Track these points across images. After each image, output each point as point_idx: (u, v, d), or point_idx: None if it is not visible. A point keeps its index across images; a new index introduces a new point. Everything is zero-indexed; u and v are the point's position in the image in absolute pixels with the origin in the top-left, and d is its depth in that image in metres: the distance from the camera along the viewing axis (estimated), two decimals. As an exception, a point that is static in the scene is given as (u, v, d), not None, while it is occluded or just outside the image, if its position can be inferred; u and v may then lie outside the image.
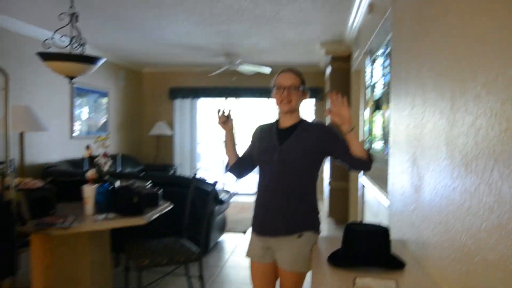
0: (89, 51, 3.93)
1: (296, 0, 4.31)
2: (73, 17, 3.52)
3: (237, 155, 2.46)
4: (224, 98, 9.14)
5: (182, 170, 9.14)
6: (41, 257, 3.24)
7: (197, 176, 4.07)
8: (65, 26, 3.48)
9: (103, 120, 7.78)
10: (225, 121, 2.38)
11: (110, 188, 3.14)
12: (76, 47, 3.53)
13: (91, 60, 3.48)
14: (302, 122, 2.29)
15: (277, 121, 2.35)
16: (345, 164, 2.19)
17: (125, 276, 3.58)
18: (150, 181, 3.94)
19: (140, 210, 3.07)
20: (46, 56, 3.37)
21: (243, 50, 7.00)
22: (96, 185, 3.09)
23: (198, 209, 4.25)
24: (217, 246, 5.41)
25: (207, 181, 3.94)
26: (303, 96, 2.29)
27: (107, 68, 7.60)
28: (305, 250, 2.17)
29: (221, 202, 5.22)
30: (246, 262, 4.69)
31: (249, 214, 7.05)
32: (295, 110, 2.27)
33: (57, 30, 3.44)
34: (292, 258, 2.18)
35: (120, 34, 6.00)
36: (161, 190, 3.58)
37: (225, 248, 5.37)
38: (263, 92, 8.87)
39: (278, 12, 4.75)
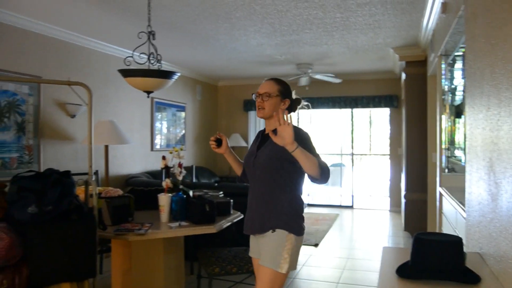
0: (166, 67, 4.15)
1: (366, 5, 4.24)
2: (150, 35, 3.73)
3: (241, 165, 2.68)
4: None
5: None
6: (120, 262, 3.43)
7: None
8: (143, 44, 3.69)
9: (181, 133, 8.11)
10: (218, 145, 2.59)
11: (184, 197, 3.26)
12: (153, 63, 3.73)
13: (166, 74, 3.66)
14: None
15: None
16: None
17: (198, 284, 3.69)
18: (222, 192, 4.03)
19: (212, 219, 3.15)
20: (126, 73, 3.59)
21: (314, 59, 6.98)
22: (171, 194, 3.22)
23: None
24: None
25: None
26: (280, 104, 2.40)
27: (184, 83, 7.94)
28: (278, 247, 2.31)
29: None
30: (318, 274, 4.64)
31: (322, 226, 7.00)
32: (271, 117, 2.38)
33: (136, 48, 3.66)
34: (264, 253, 2.36)
35: (195, 49, 6.25)
36: (232, 200, 3.65)
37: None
38: (335, 102, 8.77)
39: (348, 19, 4.70)
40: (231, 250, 3.56)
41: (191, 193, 3.42)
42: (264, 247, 2.38)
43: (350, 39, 5.63)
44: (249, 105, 9.30)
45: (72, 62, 5.40)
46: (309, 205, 9.11)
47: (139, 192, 3.60)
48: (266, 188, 2.38)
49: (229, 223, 3.37)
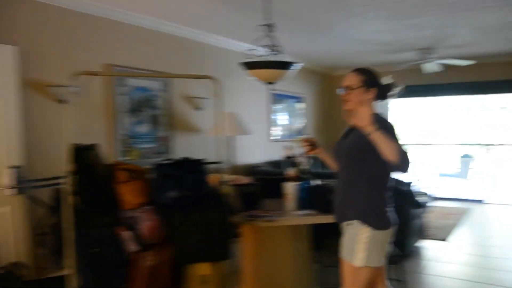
0: (285, 58, 4.18)
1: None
2: (270, 27, 3.79)
3: (331, 156, 2.67)
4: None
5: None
6: (250, 247, 3.56)
7: (395, 177, 3.95)
8: (262, 37, 3.77)
9: (299, 124, 8.16)
10: (312, 149, 2.68)
11: (310, 186, 3.28)
12: (273, 55, 3.79)
13: (287, 65, 3.69)
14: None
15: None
16: None
17: (325, 273, 3.69)
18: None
19: (338, 208, 3.12)
20: (248, 65, 3.70)
21: (437, 43, 6.53)
22: (297, 183, 3.26)
23: (396, 211, 4.11)
24: (416, 252, 5.13)
25: (405, 182, 3.79)
26: (365, 94, 2.34)
27: (302, 74, 7.96)
28: (353, 239, 2.30)
29: (420, 205, 4.95)
30: (449, 270, 4.37)
31: (450, 221, 6.57)
32: (363, 108, 2.28)
33: (256, 40, 3.75)
34: (343, 245, 2.38)
35: (311, 39, 6.22)
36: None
37: (423, 255, 5.06)
38: (464, 87, 8.12)
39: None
40: (357, 240, 3.49)
41: (317, 182, 3.42)
42: (343, 238, 2.40)
43: (476, 19, 5.14)
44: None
45: (196, 58, 5.72)
46: (436, 198, 8.56)
47: (265, 181, 3.70)
48: (347, 179, 2.38)
49: (355, 213, 3.30)
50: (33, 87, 3.93)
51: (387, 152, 2.08)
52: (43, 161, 3.96)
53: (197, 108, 5.65)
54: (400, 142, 2.17)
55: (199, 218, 2.49)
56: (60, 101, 4.07)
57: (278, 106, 7.56)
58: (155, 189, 2.55)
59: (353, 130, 2.39)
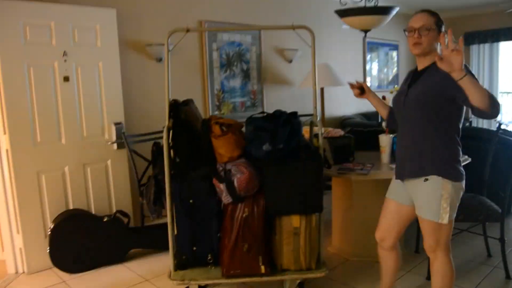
0: (380, 3, 3.95)
1: None
2: (366, -30, 3.58)
3: (386, 107, 2.59)
4: None
5: (479, 122, 8.35)
6: (341, 200, 3.55)
7: (502, 128, 3.65)
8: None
9: (393, 74, 7.78)
10: (361, 92, 2.55)
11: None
12: (370, 1, 3.60)
13: (384, 10, 3.49)
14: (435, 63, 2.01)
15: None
16: (472, 111, 2.00)
17: (418, 228, 3.57)
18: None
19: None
20: (343, 13, 3.55)
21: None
22: (392, 135, 3.14)
23: (501, 165, 3.82)
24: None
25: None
26: (437, 38, 2.15)
27: (397, 20, 7.47)
28: (433, 196, 2.16)
29: (529, 159, 4.54)
30: None
31: None
32: (428, 53, 2.17)
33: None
34: (420, 203, 2.23)
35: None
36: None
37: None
38: None
39: None
40: (457, 196, 3.32)
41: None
42: (418, 196, 2.24)
43: None
44: (471, 38, 8.27)
45: (287, 8, 5.59)
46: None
47: (358, 133, 3.61)
48: (419, 129, 2.18)
49: (455, 168, 3.12)
50: (131, 47, 4.13)
51: (478, 98, 1.89)
52: (142, 117, 4.21)
53: (288, 60, 5.59)
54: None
55: (292, 171, 2.50)
56: (157, 59, 4.25)
57: (372, 56, 7.23)
58: (249, 143, 2.59)
59: (419, 76, 2.21)
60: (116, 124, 3.74)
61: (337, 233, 3.66)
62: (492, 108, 1.90)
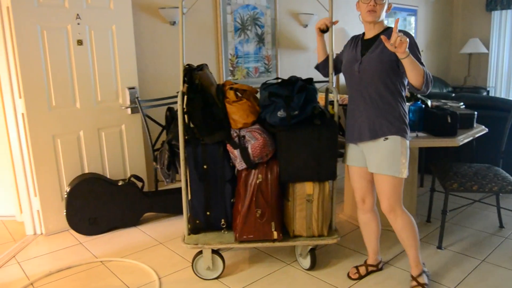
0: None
1: None
2: None
3: (325, 54, 2.71)
4: None
5: (497, 93, 8.19)
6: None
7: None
8: None
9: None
10: (323, 31, 2.61)
11: (423, 107, 3.09)
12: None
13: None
14: (385, 30, 2.37)
15: (363, 33, 2.46)
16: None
17: (430, 197, 3.57)
18: (462, 102, 3.69)
19: (454, 131, 2.93)
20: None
21: None
22: (408, 103, 3.08)
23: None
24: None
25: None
26: (387, 9, 2.36)
27: (416, -16, 7.26)
28: (393, 153, 2.34)
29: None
30: None
31: None
32: (379, 21, 2.36)
33: None
34: (380, 161, 2.37)
35: None
36: (476, 112, 3.31)
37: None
38: None
39: None
40: (472, 166, 3.29)
41: (429, 102, 3.21)
42: (378, 155, 2.38)
43: None
44: (493, 4, 8.00)
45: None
46: None
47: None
48: (377, 94, 2.35)
49: (471, 138, 3.08)
50: (145, 10, 4.07)
51: (414, 76, 2.16)
52: (156, 82, 4.19)
53: (304, 25, 5.48)
54: (421, 59, 2.25)
55: (306, 137, 2.48)
56: (170, 22, 4.19)
57: (390, 21, 7.05)
58: (264, 109, 2.57)
59: (370, 43, 2.39)
60: (130, 88, 3.74)
61: (349, 200, 3.67)
62: (424, 86, 2.19)
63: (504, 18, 8.01)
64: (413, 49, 2.24)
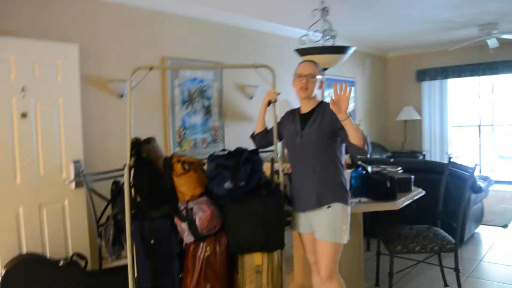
0: (337, 42, 4.12)
1: None
2: (324, 11, 3.75)
3: (263, 126, 2.85)
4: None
5: (432, 156, 8.69)
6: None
7: (452, 160, 3.83)
8: (317, 22, 3.73)
9: (350, 109, 8.02)
10: (268, 102, 2.73)
11: (363, 173, 3.24)
12: (327, 39, 3.75)
13: (342, 50, 3.65)
14: (320, 104, 2.59)
15: (299, 107, 2.66)
16: (346, 146, 2.49)
17: (377, 261, 3.65)
18: (400, 167, 3.90)
19: (393, 195, 3.07)
20: (302, 52, 3.68)
21: (500, 18, 6.16)
22: (349, 170, 3.23)
23: (453, 196, 3.99)
24: (473, 238, 4.97)
25: (463, 166, 3.67)
26: (319, 85, 2.59)
27: (353, 57, 7.76)
28: (335, 220, 2.46)
29: (478, 190, 4.77)
30: (508, 260, 4.19)
31: (511, 205, 6.27)
32: (312, 97, 2.58)
33: (310, 26, 3.71)
34: (323, 228, 2.48)
35: (366, 21, 6.07)
36: (413, 176, 3.50)
37: (482, 242, 4.89)
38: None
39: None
40: (413, 228, 3.43)
41: (369, 169, 3.38)
42: (321, 222, 2.50)
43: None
44: (422, 75, 8.69)
45: (249, 46, 5.74)
46: (495, 182, 8.19)
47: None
48: (319, 164, 2.50)
49: (410, 200, 3.25)
50: (93, 83, 4.11)
51: (356, 136, 2.34)
52: (102, 155, 4.15)
53: (249, 96, 5.69)
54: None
55: (253, 208, 2.52)
56: (118, 95, 4.24)
57: (331, 91, 7.46)
58: (211, 181, 2.60)
59: (308, 117, 2.57)
60: (75, 162, 3.67)
61: (299, 269, 3.67)
62: (366, 146, 2.36)
63: (432, 87, 8.71)
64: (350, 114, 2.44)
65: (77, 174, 3.65)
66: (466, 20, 6.18)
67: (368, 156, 2.48)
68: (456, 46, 7.20)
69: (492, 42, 6.64)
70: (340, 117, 2.32)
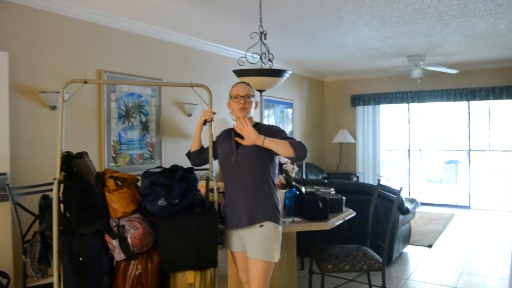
0: (276, 65, 4.24)
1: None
2: (262, 35, 3.85)
3: (199, 145, 2.89)
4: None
5: (365, 178, 9.06)
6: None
7: (381, 183, 4.02)
8: (255, 45, 3.82)
9: (288, 130, 8.22)
10: (204, 121, 2.78)
11: (297, 193, 3.32)
12: (265, 62, 3.85)
13: (279, 73, 3.75)
14: (256, 125, 2.66)
15: (235, 126, 2.66)
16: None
17: (309, 280, 3.73)
18: (333, 188, 4.03)
19: (325, 216, 3.17)
20: (240, 73, 3.75)
21: (426, 50, 6.64)
22: (284, 191, 3.30)
23: (381, 217, 4.18)
24: (401, 258, 5.21)
25: (391, 189, 3.85)
26: (255, 105, 2.69)
27: (291, 80, 8.04)
28: (267, 239, 2.51)
29: (406, 211, 5.03)
30: (432, 277, 4.44)
31: (436, 226, 6.65)
32: (249, 117, 2.65)
33: (248, 48, 3.80)
34: (255, 246, 2.52)
35: (303, 46, 6.30)
36: (344, 197, 3.63)
37: (409, 261, 5.13)
38: (450, 94, 8.24)
39: (466, 5, 4.38)
40: (344, 247, 3.55)
41: (303, 189, 3.47)
42: (253, 241, 2.54)
43: (467, 27, 5.26)
44: (357, 100, 9.12)
45: (188, 64, 5.76)
46: (422, 204, 8.66)
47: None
48: (253, 183, 2.56)
49: (342, 221, 3.37)
50: (23, 93, 3.94)
51: (281, 149, 2.44)
52: (31, 168, 3.97)
53: (188, 114, 5.68)
54: (290, 136, 2.56)
55: (186, 225, 2.51)
56: (51, 107, 4.09)
57: (269, 112, 7.61)
58: (144, 198, 2.57)
59: (241, 137, 2.58)
60: (0, 174, 3.48)
61: (233, 287, 3.66)
62: (297, 152, 2.42)
63: (366, 112, 9.13)
64: (280, 131, 2.60)
65: (2, 187, 3.46)
66: (396, 50, 6.59)
67: (306, 158, 2.52)
68: (387, 75, 7.63)
69: (416, 73, 7.12)
70: (258, 143, 2.44)
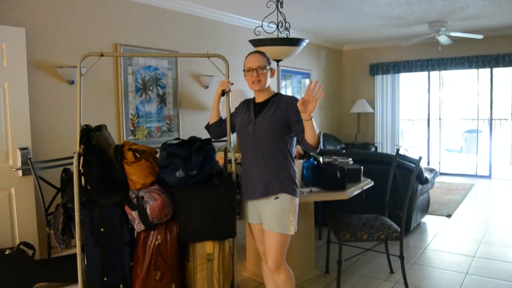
0: (292, 34, 4.18)
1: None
2: (278, 3, 3.78)
3: (218, 116, 2.84)
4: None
5: (384, 148, 8.98)
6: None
7: (400, 153, 3.98)
8: (271, 14, 3.76)
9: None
10: (222, 92, 2.72)
11: (315, 163, 3.31)
12: (282, 31, 3.79)
13: (295, 42, 3.70)
14: (276, 95, 2.60)
15: (254, 97, 2.65)
16: (298, 139, 2.51)
17: (327, 249, 3.76)
18: (351, 158, 4.01)
19: (343, 185, 3.17)
20: (257, 43, 3.71)
21: (448, 16, 6.43)
22: (302, 161, 3.30)
23: (400, 187, 4.15)
24: (419, 227, 5.19)
25: (411, 158, 3.81)
26: (271, 74, 2.57)
27: (309, 49, 7.91)
28: (283, 211, 2.48)
29: (425, 181, 4.99)
30: (451, 246, 4.42)
31: (455, 196, 6.59)
32: (266, 88, 2.57)
33: (265, 17, 3.74)
34: (270, 218, 2.49)
35: (321, 15, 6.16)
36: (362, 167, 3.62)
37: (427, 231, 5.12)
38: (472, 61, 8.02)
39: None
40: (362, 217, 3.55)
41: (321, 159, 3.46)
42: (269, 212, 2.51)
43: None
44: (375, 69, 8.95)
45: (204, 35, 5.70)
46: (441, 174, 8.59)
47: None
48: (270, 154, 2.50)
49: (360, 190, 3.36)
50: (41, 69, 3.97)
51: (312, 137, 2.37)
52: (52, 142, 4.03)
53: (205, 86, 5.67)
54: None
55: (205, 197, 2.54)
56: (68, 81, 4.12)
57: (287, 82, 7.55)
58: (162, 169, 2.60)
59: (262, 107, 2.57)
60: (22, 149, 3.55)
61: (252, 257, 3.73)
62: (318, 146, 2.40)
63: (385, 81, 8.97)
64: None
65: (24, 161, 3.54)
66: (416, 17, 6.40)
67: (315, 152, 2.50)
68: (407, 42, 7.44)
69: (443, 39, 6.92)
70: (304, 117, 2.34)
